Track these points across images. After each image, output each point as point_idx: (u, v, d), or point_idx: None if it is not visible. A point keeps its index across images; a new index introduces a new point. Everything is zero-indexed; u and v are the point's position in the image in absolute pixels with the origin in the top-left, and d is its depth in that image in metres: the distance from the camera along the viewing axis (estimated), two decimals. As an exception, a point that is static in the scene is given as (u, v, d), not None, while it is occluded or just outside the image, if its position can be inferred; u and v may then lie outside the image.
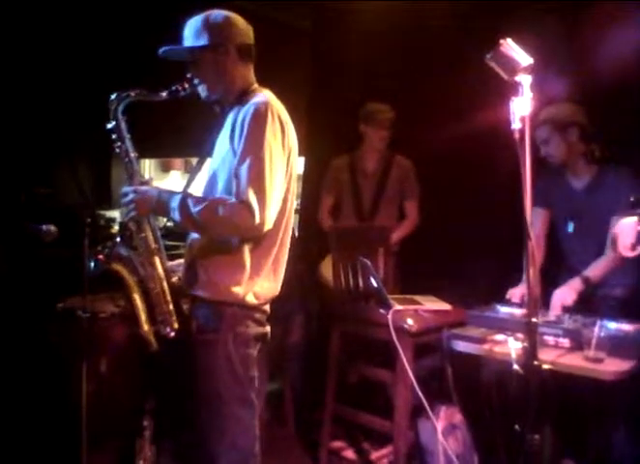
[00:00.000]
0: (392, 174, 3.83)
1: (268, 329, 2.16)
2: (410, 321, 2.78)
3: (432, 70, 3.75)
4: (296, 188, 2.18)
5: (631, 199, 1.85)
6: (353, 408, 3.15)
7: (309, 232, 4.23)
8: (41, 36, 4.00)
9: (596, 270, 2.73)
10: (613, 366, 2.18)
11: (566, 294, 2.67)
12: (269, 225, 1.95)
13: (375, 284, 3.00)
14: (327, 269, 3.62)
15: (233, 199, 1.92)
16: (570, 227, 2.91)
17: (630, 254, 1.86)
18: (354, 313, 3.10)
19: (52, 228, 2.31)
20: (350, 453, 3.37)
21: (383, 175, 3.84)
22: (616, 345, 2.24)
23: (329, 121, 4.24)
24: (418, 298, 3.13)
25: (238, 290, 2.02)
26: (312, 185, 4.23)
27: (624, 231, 1.85)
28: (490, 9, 3.43)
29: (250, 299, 2.04)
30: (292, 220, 2.17)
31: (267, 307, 2.15)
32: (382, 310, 2.89)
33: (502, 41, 1.87)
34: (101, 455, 2.62)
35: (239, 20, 2.13)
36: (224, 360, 2.03)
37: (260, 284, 2.06)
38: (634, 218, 1.83)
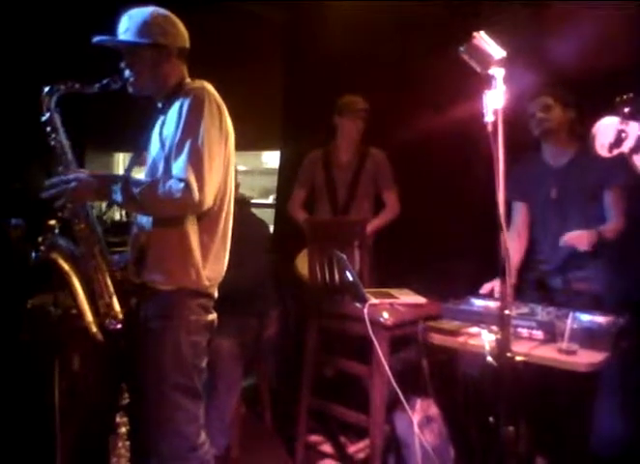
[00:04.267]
0: (367, 166, 3.83)
1: (214, 316, 2.20)
2: (385, 314, 2.79)
3: (407, 62, 3.76)
4: (234, 175, 2.24)
5: (617, 99, 1.79)
6: (329, 402, 3.15)
7: (285, 226, 4.22)
8: (16, 33, 3.95)
9: (607, 229, 2.73)
10: (586, 358, 2.20)
11: (583, 237, 2.64)
12: (209, 203, 2.01)
13: (351, 278, 3.00)
14: (302, 263, 3.61)
15: (173, 178, 1.97)
16: (552, 207, 2.92)
17: (607, 154, 1.80)
18: (330, 307, 3.09)
19: (20, 222, 2.28)
20: (327, 447, 3.37)
21: (357, 168, 3.83)
22: (589, 337, 2.27)
23: (304, 115, 4.23)
24: (393, 291, 3.13)
25: (190, 273, 2.06)
26: (288, 179, 4.22)
27: (603, 130, 1.77)
28: (463, 3, 3.45)
29: (203, 282, 2.09)
30: (232, 204, 2.22)
31: (215, 292, 2.20)
32: (358, 304, 2.89)
33: (475, 34, 1.87)
34: (76, 452, 2.59)
35: (180, 24, 2.19)
36: (172, 347, 2.07)
37: (210, 268, 2.13)
38: (615, 118, 1.75)
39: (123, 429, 2.23)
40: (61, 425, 2.39)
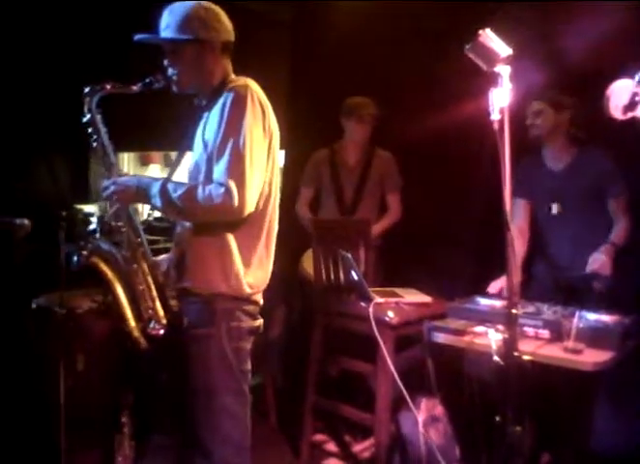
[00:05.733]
0: (374, 167, 3.81)
1: (261, 322, 2.15)
2: (391, 314, 2.78)
3: (413, 62, 3.74)
4: (279, 176, 2.15)
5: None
6: (334, 401, 3.14)
7: (290, 226, 4.21)
8: (17, 31, 3.94)
9: (618, 235, 2.80)
10: (592, 357, 2.19)
11: (605, 263, 2.68)
12: (250, 208, 1.94)
13: (356, 277, 2.99)
14: (308, 262, 3.60)
15: (213, 183, 1.91)
16: (554, 209, 2.95)
17: (620, 117, 1.79)
18: (335, 306, 3.09)
19: (26, 222, 2.26)
20: (332, 446, 3.38)
21: (364, 168, 3.81)
22: (595, 336, 2.26)
23: (309, 114, 4.22)
24: (398, 290, 3.12)
25: (230, 279, 2.00)
26: (293, 178, 4.20)
27: (617, 92, 1.77)
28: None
29: (244, 289, 2.03)
30: (277, 206, 2.14)
31: (259, 299, 2.14)
32: (363, 303, 2.88)
33: (480, 31, 1.85)
34: (80, 452, 2.59)
35: (224, 16, 2.10)
36: (218, 354, 2.02)
37: (253, 274, 2.05)
38: (630, 81, 1.75)
39: (128, 429, 2.23)
40: (66, 425, 2.39)
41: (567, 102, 2.91)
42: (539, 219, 3.05)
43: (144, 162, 6.45)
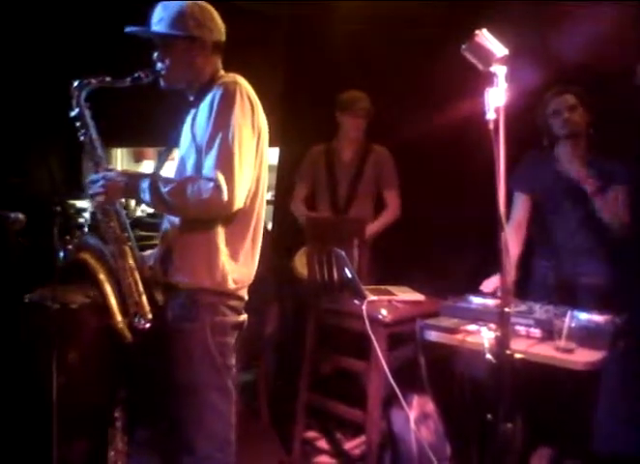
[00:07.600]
0: (369, 163, 3.80)
1: (245, 317, 2.16)
2: (384, 312, 2.79)
3: (409, 59, 3.75)
4: (267, 174, 2.17)
5: None
6: (327, 398, 3.15)
7: (284, 223, 4.22)
8: (10, 25, 3.93)
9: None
10: (583, 357, 2.20)
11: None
12: (239, 204, 1.96)
13: (349, 275, 3.00)
14: (301, 262, 3.61)
15: (202, 178, 1.93)
16: (564, 208, 2.90)
17: None
18: (328, 304, 3.10)
19: (20, 216, 2.26)
20: (323, 443, 3.38)
21: (359, 164, 3.80)
22: (586, 336, 2.27)
23: (304, 111, 4.22)
24: (391, 289, 3.14)
25: (215, 275, 2.01)
26: (287, 176, 4.21)
27: None
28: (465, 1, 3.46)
29: (229, 284, 2.04)
30: (265, 203, 2.16)
31: (244, 294, 2.15)
32: (356, 301, 2.89)
33: (477, 31, 1.87)
34: (73, 447, 2.58)
35: (217, 15, 2.12)
36: (202, 348, 2.03)
37: (239, 270, 2.07)
38: None
39: (121, 424, 2.23)
40: (58, 419, 2.39)
41: (593, 104, 2.83)
42: (543, 217, 2.99)
43: (138, 159, 6.44)
